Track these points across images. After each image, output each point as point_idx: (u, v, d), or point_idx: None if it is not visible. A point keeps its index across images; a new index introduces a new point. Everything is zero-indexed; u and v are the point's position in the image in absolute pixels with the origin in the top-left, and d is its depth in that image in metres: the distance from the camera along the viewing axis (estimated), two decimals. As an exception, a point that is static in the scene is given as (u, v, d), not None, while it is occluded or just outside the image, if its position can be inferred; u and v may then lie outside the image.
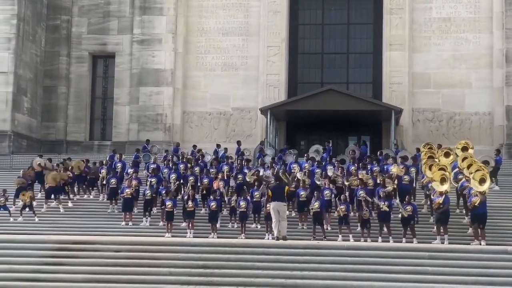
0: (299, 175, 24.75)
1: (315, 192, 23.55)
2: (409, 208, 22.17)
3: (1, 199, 25.56)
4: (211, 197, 24.01)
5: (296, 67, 40.96)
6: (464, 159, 23.81)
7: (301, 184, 24.33)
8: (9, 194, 26.35)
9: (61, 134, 40.57)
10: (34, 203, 26.38)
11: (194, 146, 33.22)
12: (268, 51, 39.62)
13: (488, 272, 17.50)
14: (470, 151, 25.02)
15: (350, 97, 36.47)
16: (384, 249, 19.28)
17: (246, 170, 26.85)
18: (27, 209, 25.50)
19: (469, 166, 22.75)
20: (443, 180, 21.93)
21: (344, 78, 40.67)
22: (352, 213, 23.52)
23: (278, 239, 20.83)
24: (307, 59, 41.15)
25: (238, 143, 33.88)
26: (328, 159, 28.90)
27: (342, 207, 22.63)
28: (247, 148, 33.52)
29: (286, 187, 22.22)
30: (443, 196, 21.71)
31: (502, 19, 38.14)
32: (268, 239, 22.08)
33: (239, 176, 26.37)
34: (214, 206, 23.36)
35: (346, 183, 24.80)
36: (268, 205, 22.20)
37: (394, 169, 24.73)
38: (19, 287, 17.22)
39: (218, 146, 33.02)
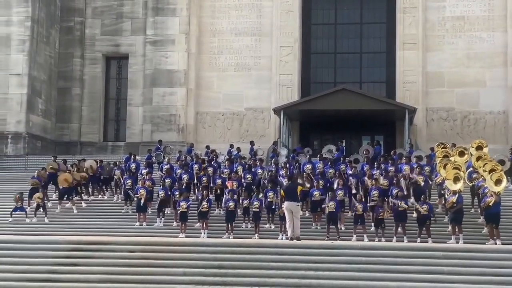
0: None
1: (330, 192, 23.52)
2: (425, 207, 22.08)
3: (18, 201, 25.73)
4: (228, 196, 24.00)
5: (309, 67, 40.90)
6: (478, 158, 23.67)
7: (315, 184, 24.30)
8: (25, 195, 26.53)
9: (75, 135, 40.82)
10: (49, 204, 26.55)
11: (207, 147, 33.26)
12: (281, 51, 39.62)
13: (503, 271, 17.37)
14: (485, 150, 24.87)
15: (363, 97, 36.35)
16: (398, 249, 19.20)
17: (259, 170, 26.85)
18: (40, 209, 25.65)
19: (483, 165, 22.61)
20: (456, 179, 21.84)
21: (357, 77, 40.56)
22: (366, 213, 23.44)
23: (292, 239, 20.81)
24: (320, 59, 41.08)
25: (251, 143, 33.87)
26: (341, 158, 28.85)
27: (359, 206, 22.60)
28: (260, 147, 33.55)
29: (299, 187, 22.20)
30: (457, 195, 21.62)
31: (516, 18, 37.90)
32: (282, 239, 22.07)
33: (247, 176, 26.35)
34: (232, 206, 23.37)
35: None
36: (282, 206, 22.16)
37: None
38: (34, 287, 17.31)
39: (232, 146, 33.06)
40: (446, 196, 22.76)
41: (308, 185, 24.16)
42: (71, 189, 27.11)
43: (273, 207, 23.55)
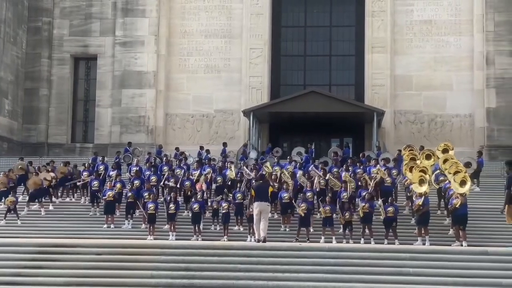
0: (284, 177, 24.78)
1: (301, 194, 23.57)
2: (391, 209, 22.26)
3: None
4: (193, 199, 23.94)
5: (279, 69, 41.07)
6: (445, 161, 23.95)
7: (284, 186, 24.35)
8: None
9: (42, 136, 40.33)
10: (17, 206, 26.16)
11: (177, 149, 33.12)
12: (250, 53, 39.70)
13: (468, 273, 17.62)
14: (451, 152, 25.17)
15: (332, 99, 36.65)
16: (365, 250, 19.35)
17: (228, 172, 26.82)
18: (11, 212, 25.25)
19: (449, 167, 22.89)
20: (421, 182, 22.06)
21: (327, 80, 40.84)
22: (335, 215, 23.54)
23: (259, 241, 20.79)
24: (290, 61, 41.27)
25: (224, 144, 33.75)
26: (310, 160, 28.97)
27: (326, 208, 22.69)
28: (231, 150, 33.52)
29: (270, 188, 22.18)
30: (423, 198, 21.84)
31: (482, 22, 38.48)
32: (251, 241, 22.07)
33: (218, 178, 26.33)
34: (197, 208, 23.32)
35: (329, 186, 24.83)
36: (250, 207, 22.12)
37: (376, 172, 24.79)
38: (-1, 290, 17.11)
39: (202, 148, 33.02)
40: (414, 199, 22.99)
41: (276, 185, 24.21)
42: (42, 191, 26.76)
43: (245, 208, 23.50)
